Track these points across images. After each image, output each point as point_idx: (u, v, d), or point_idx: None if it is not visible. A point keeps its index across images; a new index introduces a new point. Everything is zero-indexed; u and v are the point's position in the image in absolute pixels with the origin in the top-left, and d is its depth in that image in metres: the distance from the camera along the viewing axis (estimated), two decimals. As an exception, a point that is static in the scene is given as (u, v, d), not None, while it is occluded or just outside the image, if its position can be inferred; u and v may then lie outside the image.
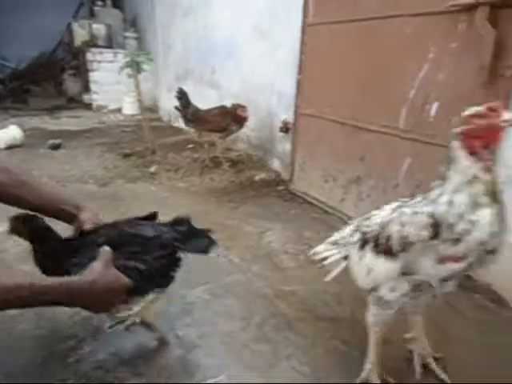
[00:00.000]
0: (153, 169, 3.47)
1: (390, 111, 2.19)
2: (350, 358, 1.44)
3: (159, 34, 5.90)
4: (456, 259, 1.01)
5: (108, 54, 6.21)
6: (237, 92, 3.95)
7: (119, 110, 6.48)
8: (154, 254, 1.28)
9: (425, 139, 2.01)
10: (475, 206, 0.97)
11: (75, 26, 6.72)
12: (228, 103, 3.45)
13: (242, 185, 3.24)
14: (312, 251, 1.52)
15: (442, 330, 1.64)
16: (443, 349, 1.50)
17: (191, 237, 1.42)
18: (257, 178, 3.32)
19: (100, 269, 1.10)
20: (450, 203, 0.99)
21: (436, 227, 0.99)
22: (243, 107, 3.23)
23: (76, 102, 7.15)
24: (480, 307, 1.81)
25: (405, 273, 1.10)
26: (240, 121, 3.28)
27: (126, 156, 3.89)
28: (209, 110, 3.38)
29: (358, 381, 1.30)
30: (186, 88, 3.61)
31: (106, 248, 1.17)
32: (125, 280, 1.15)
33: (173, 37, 5.45)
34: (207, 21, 4.44)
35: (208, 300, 1.74)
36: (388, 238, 1.08)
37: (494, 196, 0.99)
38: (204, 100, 4.37)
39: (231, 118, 3.26)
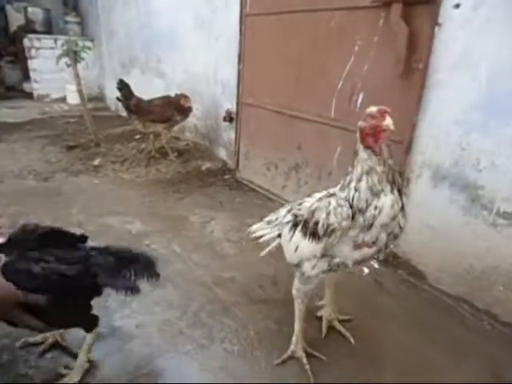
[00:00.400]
0: (97, 161, 3.41)
1: (322, 101, 2.29)
2: (280, 335, 1.55)
3: (102, 19, 5.67)
4: (369, 245, 1.20)
5: (47, 41, 5.88)
6: (182, 81, 3.92)
7: (63, 100, 6.20)
8: (68, 263, 1.16)
9: (353, 128, 2.12)
10: (377, 193, 1.13)
11: (9, 9, 6.29)
12: (174, 92, 3.43)
13: (188, 175, 3.26)
14: (248, 229, 1.66)
15: (366, 303, 1.81)
16: (361, 318, 1.68)
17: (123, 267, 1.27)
18: (203, 167, 3.35)
19: None
20: (356, 190, 1.15)
21: (353, 217, 1.15)
22: (186, 97, 3.23)
23: (16, 91, 6.74)
24: (402, 281, 1.99)
25: (325, 254, 1.26)
26: (184, 111, 3.28)
27: (69, 149, 3.77)
28: (151, 101, 3.35)
29: (284, 356, 1.42)
30: (132, 76, 3.54)
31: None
32: (14, 293, 1.02)
33: (115, 23, 5.26)
34: (149, 8, 4.33)
35: (147, 290, 1.77)
36: (315, 223, 1.21)
37: (394, 184, 1.14)
38: (150, 88, 4.32)
39: (174, 108, 3.25)
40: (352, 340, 1.54)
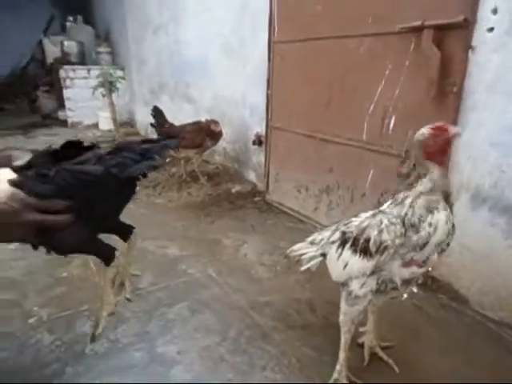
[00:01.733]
0: (130, 186, 3.51)
1: (354, 125, 2.31)
2: (320, 363, 1.54)
3: (132, 48, 5.94)
4: (419, 264, 1.20)
5: (81, 71, 6.20)
6: (211, 106, 4.04)
7: (95, 126, 6.47)
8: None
9: (385, 150, 2.14)
10: (431, 210, 1.14)
11: (46, 43, 6.69)
12: (203, 117, 3.53)
13: (219, 198, 3.32)
14: (290, 249, 1.63)
15: (407, 328, 1.77)
16: (404, 343, 1.65)
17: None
18: (233, 190, 3.41)
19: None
20: (411, 206, 1.16)
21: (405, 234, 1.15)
22: (216, 122, 3.32)
23: (51, 119, 7.10)
24: (443, 306, 1.94)
25: (374, 272, 1.25)
26: (214, 136, 3.37)
27: (104, 174, 3.90)
28: (183, 126, 3.46)
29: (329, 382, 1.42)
30: (161, 102, 3.67)
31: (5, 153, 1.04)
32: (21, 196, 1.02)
33: (146, 52, 5.50)
34: (179, 37, 4.52)
35: (187, 316, 1.81)
36: (367, 240, 1.22)
37: (447, 200, 1.17)
38: (180, 113, 4.46)
39: (205, 133, 3.34)
40: (396, 368, 1.51)
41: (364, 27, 2.15)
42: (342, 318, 1.39)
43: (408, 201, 1.17)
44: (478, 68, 1.70)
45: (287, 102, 2.85)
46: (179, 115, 4.19)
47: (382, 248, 1.18)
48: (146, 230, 2.74)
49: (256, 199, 3.27)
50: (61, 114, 6.90)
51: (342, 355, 1.42)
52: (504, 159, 1.66)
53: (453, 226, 1.19)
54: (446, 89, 1.79)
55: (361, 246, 1.25)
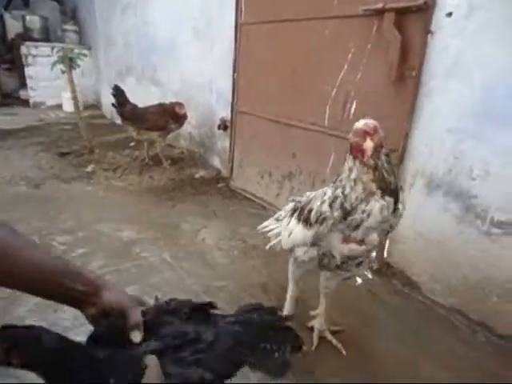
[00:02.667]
0: (89, 168, 3.38)
1: (317, 109, 2.28)
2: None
3: (100, 28, 5.69)
4: (357, 242, 1.22)
5: (45, 48, 5.87)
6: (178, 90, 3.92)
7: (59, 107, 6.19)
8: (219, 358, 0.88)
9: (346, 135, 2.11)
10: (363, 199, 1.14)
11: (7, 18, 6.32)
12: (169, 100, 3.42)
13: (181, 183, 3.23)
14: (260, 226, 1.71)
15: (359, 313, 1.77)
16: (354, 329, 1.65)
17: (263, 343, 0.97)
18: (197, 175, 3.33)
19: None
20: (344, 193, 1.17)
21: (345, 211, 1.17)
22: (181, 105, 3.22)
23: (12, 99, 6.74)
24: (397, 292, 1.95)
25: (315, 244, 1.29)
26: (178, 119, 3.26)
27: (63, 155, 3.74)
28: (146, 108, 3.33)
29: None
30: (128, 84, 3.53)
31: (153, 359, 0.79)
32: None
33: (113, 32, 5.28)
34: (147, 18, 4.35)
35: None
36: (310, 211, 1.26)
37: (386, 190, 1.14)
38: (147, 97, 4.31)
39: (169, 115, 3.23)
40: (343, 351, 1.50)
41: (330, 9, 2.11)
42: (289, 275, 1.52)
43: (341, 185, 1.18)
44: (437, 53, 1.69)
45: (253, 86, 2.79)
46: (146, 99, 4.04)
47: (321, 218, 1.21)
48: (103, 212, 2.64)
49: (220, 185, 3.21)
50: (23, 94, 6.56)
51: (287, 305, 1.57)
52: (458, 145, 1.67)
53: (395, 210, 1.18)
54: (406, 73, 1.78)
55: (304, 215, 1.29)
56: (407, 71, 1.77)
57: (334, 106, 2.17)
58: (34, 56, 5.91)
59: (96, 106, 6.46)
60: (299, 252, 1.36)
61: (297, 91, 2.41)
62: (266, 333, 0.97)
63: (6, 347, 0.72)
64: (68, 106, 6.00)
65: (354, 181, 1.14)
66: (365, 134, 1.11)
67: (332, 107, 2.19)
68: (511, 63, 1.49)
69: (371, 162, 1.12)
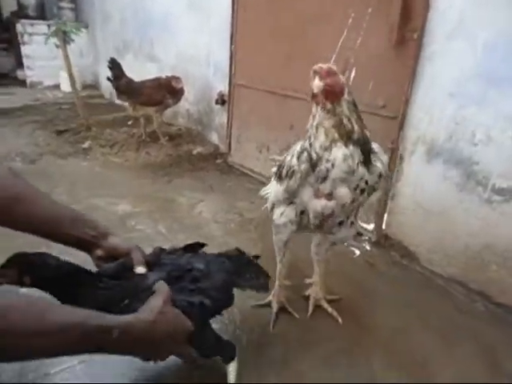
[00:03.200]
0: (86, 144, 3.33)
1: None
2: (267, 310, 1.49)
3: (96, 4, 5.57)
4: (328, 197, 1.18)
5: (41, 26, 5.74)
6: (175, 65, 3.83)
7: (57, 87, 6.10)
8: (215, 288, 1.05)
9: (345, 105, 2.06)
10: (327, 147, 1.10)
11: (2, -5, 6.18)
12: (165, 74, 3.34)
13: (179, 159, 3.18)
14: (261, 191, 1.62)
15: (356, 284, 1.74)
16: (351, 299, 1.63)
17: (243, 270, 1.23)
18: (195, 151, 3.28)
19: (161, 306, 0.85)
20: (310, 143, 1.14)
21: (312, 162, 1.14)
22: (177, 78, 3.15)
23: (8, 79, 6.64)
24: (395, 263, 1.93)
25: (291, 202, 1.28)
26: (175, 93, 3.19)
27: (59, 133, 3.69)
28: (142, 82, 3.26)
29: (261, 302, 1.52)
30: (125, 61, 3.46)
31: (162, 282, 0.93)
32: (187, 322, 0.92)
33: (110, 7, 5.16)
34: (143, -10, 4.24)
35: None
36: (281, 166, 1.26)
37: (350, 139, 1.10)
38: (144, 73, 4.22)
39: (166, 89, 3.16)
40: (340, 319, 1.48)
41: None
42: (274, 245, 1.48)
43: (307, 135, 1.16)
44: (439, 14, 1.62)
45: (251, 58, 2.71)
46: (143, 75, 3.96)
47: (290, 172, 1.20)
48: (99, 187, 2.60)
49: (217, 161, 3.16)
50: (20, 74, 6.45)
51: (276, 282, 1.49)
52: (460, 111, 1.61)
53: (368, 165, 1.14)
54: (407, 35, 1.71)
55: (278, 172, 1.28)
56: (408, 33, 1.70)
57: (333, 74, 2.10)
58: (30, 34, 5.79)
59: (94, 86, 6.36)
60: (276, 214, 1.34)
61: (295, 61, 2.33)
62: (244, 264, 1.23)
63: (18, 270, 0.85)
64: (66, 86, 5.91)
65: (316, 128, 1.11)
66: (314, 74, 1.08)
67: (331, 76, 2.12)
68: (517, 21, 1.42)
69: (329, 106, 1.08)
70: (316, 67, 1.09)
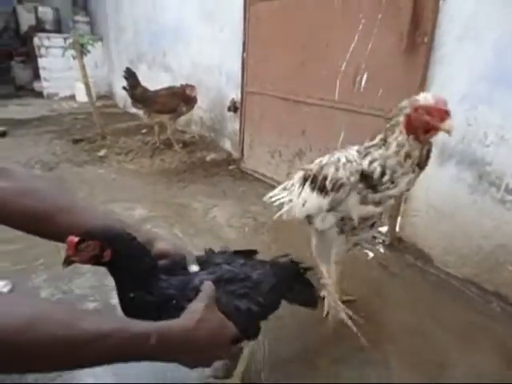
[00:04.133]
0: (102, 152, 3.42)
1: (327, 84, 2.25)
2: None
3: (110, 17, 5.73)
4: (376, 204, 1.21)
5: (57, 39, 5.95)
6: (188, 74, 3.92)
7: (72, 98, 6.27)
8: (264, 295, 1.03)
9: (357, 109, 2.09)
10: (399, 171, 1.12)
11: (20, 10, 6.41)
12: (179, 83, 3.42)
13: (193, 165, 3.24)
14: (267, 195, 1.66)
15: (371, 286, 1.75)
16: (366, 300, 1.63)
17: (293, 282, 1.20)
18: (208, 158, 3.33)
19: (203, 311, 0.82)
20: (382, 165, 1.13)
21: (363, 174, 1.15)
22: (191, 86, 3.22)
23: (26, 91, 6.85)
24: (409, 265, 1.93)
25: (332, 208, 1.27)
26: (189, 101, 3.27)
27: (76, 142, 3.79)
28: (157, 91, 3.35)
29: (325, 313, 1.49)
30: (139, 72, 3.56)
31: (209, 283, 0.89)
32: (232, 327, 0.89)
33: (123, 20, 5.31)
34: (155, 3, 4.35)
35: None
36: (324, 178, 1.23)
37: (417, 167, 1.13)
38: (157, 83, 4.32)
39: (180, 98, 3.24)
40: (359, 319, 1.49)
41: (338, -19, 2.08)
42: (314, 250, 1.46)
43: (373, 156, 1.14)
44: (449, 18, 1.64)
45: (262, 65, 2.77)
46: (157, 84, 4.06)
47: (338, 185, 1.19)
48: (115, 193, 2.67)
49: (230, 167, 3.21)
50: (36, 86, 6.66)
51: (329, 288, 1.46)
52: (471, 112, 1.63)
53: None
54: (417, 40, 1.73)
55: (319, 183, 1.25)
56: (419, 38, 1.73)
57: (345, 79, 2.14)
58: (47, 47, 5.99)
59: (109, 96, 6.52)
60: (317, 221, 1.33)
61: (306, 67, 2.38)
62: (297, 275, 1.21)
63: (100, 243, 0.83)
64: (81, 97, 6.07)
65: (405, 156, 1.09)
66: (444, 113, 1.03)
67: (342, 81, 2.16)
68: (526, 23, 1.44)
69: (426, 139, 1.08)
70: (445, 106, 1.04)
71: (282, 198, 1.56)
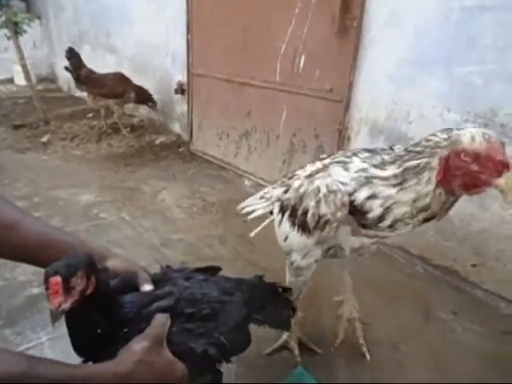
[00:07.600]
0: (45, 138, 3.29)
1: (268, 66, 2.32)
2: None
3: (48, -6, 5.40)
4: (368, 235, 1.00)
5: (-11, 18, 5.52)
6: (133, 55, 3.82)
7: (10, 81, 5.89)
8: (228, 327, 0.87)
9: (296, 90, 2.18)
10: (404, 221, 0.90)
11: None
12: (126, 68, 3.35)
13: (141, 149, 3.22)
14: (239, 206, 1.38)
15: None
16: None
17: (266, 302, 1.04)
18: (157, 141, 3.32)
19: (143, 353, 0.71)
20: (386, 208, 0.88)
21: (355, 207, 0.91)
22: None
23: (-42, 74, 6.33)
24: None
25: (319, 242, 1.05)
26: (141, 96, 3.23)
27: (16, 128, 3.61)
28: (105, 74, 3.25)
29: (275, 346, 1.31)
30: (83, 53, 3.42)
31: (161, 317, 0.77)
32: (181, 371, 0.77)
33: (63, -3, 5.02)
34: (96, -21, 4.17)
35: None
36: (305, 213, 0.99)
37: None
38: (102, 65, 4.18)
39: (128, 83, 3.18)
40: (367, 356, 1.31)
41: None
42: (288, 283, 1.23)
43: (375, 197, 0.89)
44: (376, 3, 1.75)
45: (207, 47, 2.77)
46: (102, 67, 3.93)
47: (322, 223, 0.95)
48: (60, 179, 2.61)
49: (180, 150, 3.22)
50: (-30, 68, 6.17)
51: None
52: (397, 92, 1.77)
53: None
54: (347, 23, 1.84)
55: (299, 219, 1.02)
56: (349, 22, 1.83)
57: (284, 61, 2.21)
58: (-22, 26, 5.54)
59: (51, 79, 6.18)
60: (296, 256, 1.11)
61: (249, 49, 2.43)
62: (269, 296, 1.06)
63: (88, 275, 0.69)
64: (21, 80, 5.70)
65: (420, 209, 0.85)
66: (501, 165, 0.74)
67: (282, 63, 2.23)
68: (439, 11, 1.57)
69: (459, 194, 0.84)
70: (506, 158, 0.75)
71: (260, 209, 1.30)
